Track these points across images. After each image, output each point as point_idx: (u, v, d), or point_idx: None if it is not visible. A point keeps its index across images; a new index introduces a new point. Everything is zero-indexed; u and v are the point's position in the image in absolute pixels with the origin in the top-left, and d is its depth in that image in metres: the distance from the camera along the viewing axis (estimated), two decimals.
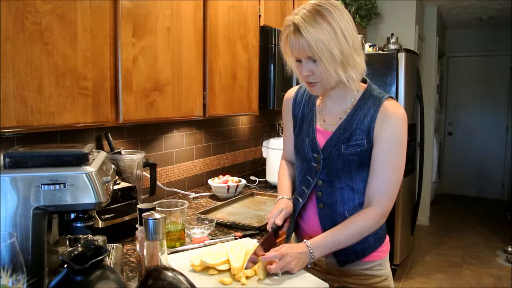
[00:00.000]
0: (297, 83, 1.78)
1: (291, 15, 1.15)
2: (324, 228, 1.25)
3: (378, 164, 1.19)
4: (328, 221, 1.25)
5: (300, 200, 1.32)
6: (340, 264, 1.27)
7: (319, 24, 1.09)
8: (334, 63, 1.11)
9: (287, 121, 1.42)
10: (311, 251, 1.15)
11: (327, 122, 1.28)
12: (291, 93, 1.42)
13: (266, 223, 1.29)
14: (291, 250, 1.13)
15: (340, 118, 1.24)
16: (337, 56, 1.10)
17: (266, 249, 1.18)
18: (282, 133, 3.04)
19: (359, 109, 1.22)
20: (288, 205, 1.31)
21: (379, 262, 1.28)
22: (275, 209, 1.29)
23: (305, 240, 1.18)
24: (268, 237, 1.23)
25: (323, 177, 1.26)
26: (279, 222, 1.25)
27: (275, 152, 2.44)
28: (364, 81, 1.28)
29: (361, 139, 1.19)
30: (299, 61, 1.17)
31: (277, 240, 1.26)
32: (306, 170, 1.30)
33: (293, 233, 1.42)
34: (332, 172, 1.24)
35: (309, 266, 1.17)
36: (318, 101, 1.33)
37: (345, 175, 1.23)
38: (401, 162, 1.20)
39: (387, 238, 1.33)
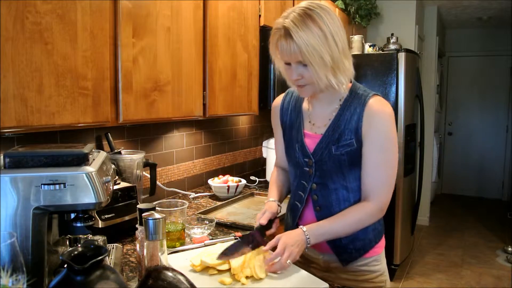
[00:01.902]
0: None
1: (281, 18, 1.13)
2: None
3: (369, 163, 1.19)
4: None
5: (299, 205, 1.32)
6: (344, 264, 1.28)
7: (310, 29, 1.08)
8: (324, 69, 1.10)
9: (276, 128, 1.43)
10: (307, 236, 1.16)
11: (316, 125, 1.27)
12: (277, 101, 1.43)
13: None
14: (289, 239, 1.14)
15: (329, 119, 1.24)
16: (328, 61, 1.09)
17: (253, 247, 1.19)
18: None
19: (346, 109, 1.21)
20: (271, 206, 1.31)
21: (376, 258, 1.29)
22: (260, 212, 1.31)
23: (300, 226, 1.18)
24: (252, 236, 1.22)
25: (317, 180, 1.26)
26: (263, 221, 1.26)
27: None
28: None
29: (350, 139, 1.19)
30: (288, 64, 1.16)
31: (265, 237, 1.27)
32: (299, 175, 1.31)
33: None
34: (325, 174, 1.24)
35: (306, 250, 1.19)
36: (305, 105, 1.32)
37: (338, 175, 1.23)
38: (392, 157, 1.19)
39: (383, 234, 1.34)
